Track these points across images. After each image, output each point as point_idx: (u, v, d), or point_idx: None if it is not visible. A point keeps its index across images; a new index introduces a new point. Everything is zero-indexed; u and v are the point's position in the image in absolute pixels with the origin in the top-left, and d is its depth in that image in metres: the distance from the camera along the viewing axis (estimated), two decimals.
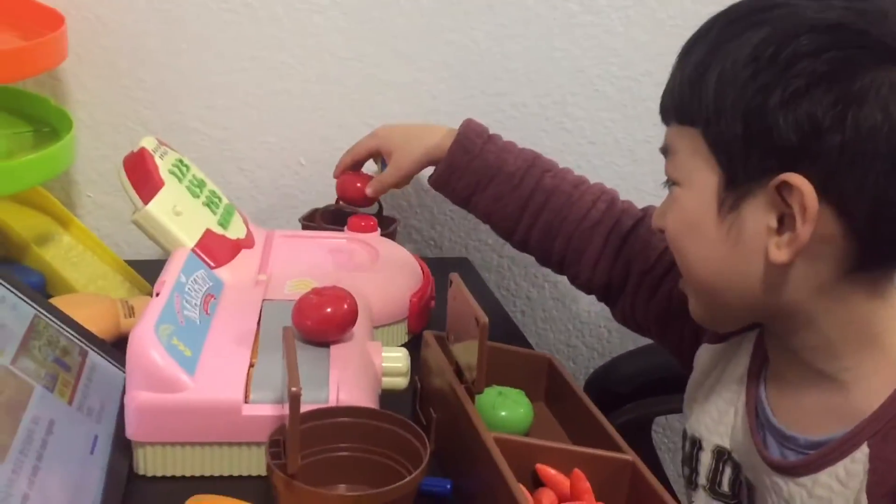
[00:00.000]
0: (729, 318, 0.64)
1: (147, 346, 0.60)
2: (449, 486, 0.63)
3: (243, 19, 1.00)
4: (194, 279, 0.72)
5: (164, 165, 0.80)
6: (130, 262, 0.92)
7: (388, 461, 0.60)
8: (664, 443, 1.26)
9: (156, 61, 0.99)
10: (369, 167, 0.99)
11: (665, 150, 0.62)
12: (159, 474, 0.62)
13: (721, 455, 0.65)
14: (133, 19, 0.97)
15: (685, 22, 1.06)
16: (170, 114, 1.01)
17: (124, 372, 0.67)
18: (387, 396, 0.68)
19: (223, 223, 0.83)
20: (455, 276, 0.67)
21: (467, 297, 0.63)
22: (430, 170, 0.91)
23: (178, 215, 0.77)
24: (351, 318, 0.68)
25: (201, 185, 0.85)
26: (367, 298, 0.76)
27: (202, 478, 0.63)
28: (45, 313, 0.67)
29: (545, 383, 0.73)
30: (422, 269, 0.89)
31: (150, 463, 0.62)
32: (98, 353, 0.69)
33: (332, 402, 0.62)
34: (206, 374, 0.62)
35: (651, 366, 1.05)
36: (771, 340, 0.64)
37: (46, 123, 0.93)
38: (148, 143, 0.81)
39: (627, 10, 1.07)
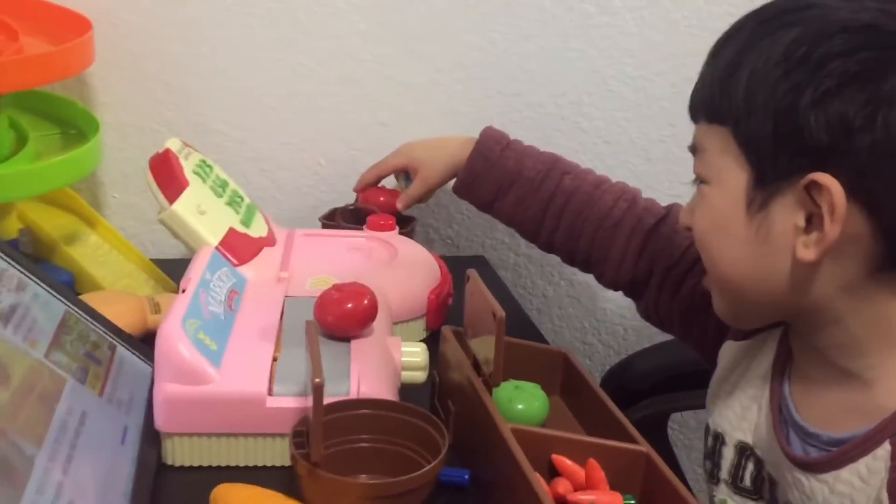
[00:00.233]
0: (754, 316, 0.64)
1: (175, 340, 0.62)
2: (467, 477, 0.64)
3: (264, 23, 1.02)
4: (219, 276, 0.74)
5: (188, 166, 0.82)
6: (155, 261, 0.93)
7: (407, 452, 0.62)
8: (680, 439, 1.27)
9: (179, 65, 1.02)
10: (388, 180, 1.03)
11: (694, 149, 0.62)
12: (187, 464, 0.64)
13: (744, 450, 0.66)
14: (157, 24, 1.00)
15: (699, 22, 1.07)
16: (193, 115, 1.04)
17: (151, 366, 0.69)
18: (406, 390, 0.69)
19: (245, 222, 0.85)
20: (472, 273, 0.68)
21: (484, 293, 0.65)
22: None
23: (203, 214, 0.79)
24: (371, 313, 0.70)
25: (224, 185, 0.87)
26: (387, 295, 0.77)
27: (228, 468, 0.64)
28: (76, 309, 0.69)
29: (561, 377, 0.74)
30: (440, 266, 0.90)
31: (177, 453, 0.64)
32: (126, 348, 0.71)
33: (353, 395, 0.64)
34: (231, 368, 0.64)
35: (667, 362, 1.06)
36: (795, 338, 0.64)
37: (74, 126, 0.95)
38: (173, 144, 0.83)
39: (642, 10, 1.08)
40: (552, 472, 0.61)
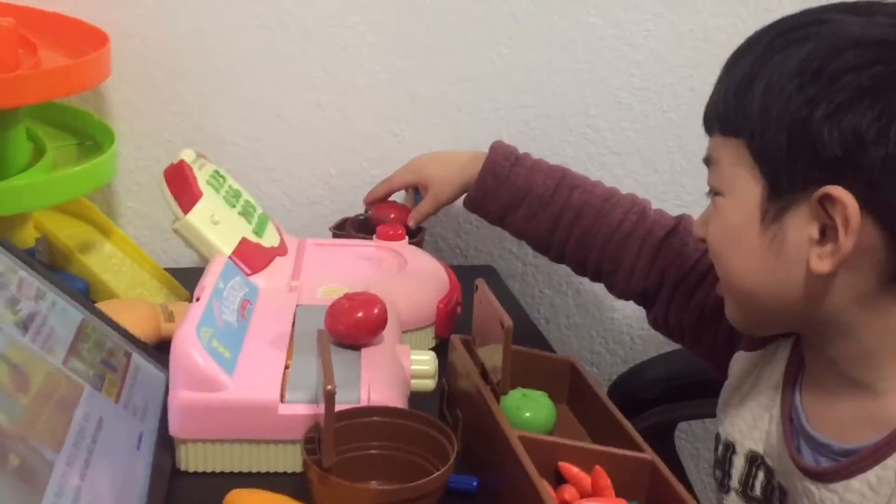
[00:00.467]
0: (766, 325, 0.64)
1: (189, 347, 0.63)
2: (475, 483, 0.65)
3: (276, 35, 1.03)
4: (231, 285, 0.75)
5: (202, 177, 0.84)
6: (168, 270, 0.95)
7: (416, 459, 0.62)
8: (687, 448, 1.27)
9: (193, 77, 1.03)
10: (397, 194, 1.04)
11: (708, 161, 0.62)
12: (200, 470, 0.65)
13: (754, 460, 0.66)
14: (172, 37, 1.01)
15: (705, 35, 1.08)
16: (206, 126, 1.05)
17: (165, 373, 0.71)
18: (415, 398, 0.70)
19: (258, 232, 0.86)
20: (481, 282, 0.69)
21: (492, 302, 0.66)
22: None
23: (216, 224, 0.81)
24: (381, 322, 0.71)
25: (237, 195, 0.88)
26: (396, 304, 0.78)
27: (241, 474, 0.65)
28: (93, 317, 0.70)
29: (568, 386, 0.75)
30: (448, 276, 0.91)
31: (191, 459, 0.65)
32: (141, 355, 0.73)
33: (363, 403, 0.65)
34: (244, 375, 0.65)
35: (675, 371, 1.07)
36: (807, 348, 0.64)
37: (90, 137, 0.96)
38: (187, 155, 0.85)
39: (648, 23, 1.09)
40: (559, 480, 0.62)
